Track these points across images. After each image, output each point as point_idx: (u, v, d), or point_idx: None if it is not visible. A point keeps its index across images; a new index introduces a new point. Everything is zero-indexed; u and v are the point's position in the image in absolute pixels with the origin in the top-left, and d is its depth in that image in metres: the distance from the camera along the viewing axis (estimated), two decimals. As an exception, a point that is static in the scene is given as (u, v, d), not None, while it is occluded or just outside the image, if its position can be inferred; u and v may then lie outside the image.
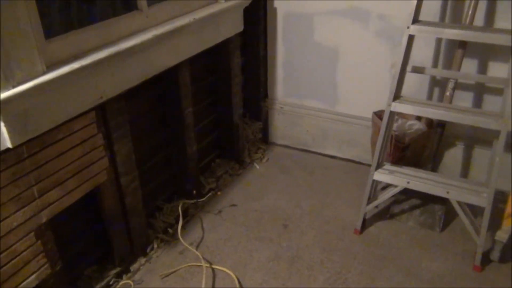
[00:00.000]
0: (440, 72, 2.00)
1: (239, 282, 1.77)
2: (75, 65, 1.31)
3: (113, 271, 1.75)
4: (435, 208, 2.06)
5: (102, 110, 1.52)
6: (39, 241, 1.37)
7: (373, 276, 1.79)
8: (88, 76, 1.38)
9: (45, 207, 1.36)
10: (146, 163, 1.90)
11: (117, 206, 1.69)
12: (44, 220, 1.37)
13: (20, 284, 1.34)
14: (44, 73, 1.25)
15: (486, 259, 1.83)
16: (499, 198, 2.06)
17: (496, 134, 1.69)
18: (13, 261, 1.31)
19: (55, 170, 1.37)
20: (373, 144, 2.18)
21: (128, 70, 1.54)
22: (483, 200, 1.73)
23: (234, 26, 2.13)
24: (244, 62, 2.45)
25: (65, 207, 1.44)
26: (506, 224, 1.74)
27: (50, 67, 1.28)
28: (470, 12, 1.83)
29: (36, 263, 1.38)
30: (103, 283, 1.70)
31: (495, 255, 1.82)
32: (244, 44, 2.40)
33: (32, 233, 1.35)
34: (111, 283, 1.73)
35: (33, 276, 1.38)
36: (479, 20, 1.95)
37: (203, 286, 1.70)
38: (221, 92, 2.30)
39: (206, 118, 2.29)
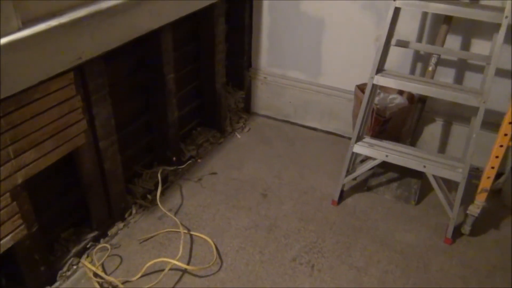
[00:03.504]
0: (423, 47, 2.01)
1: (217, 248, 1.79)
2: (52, 23, 1.27)
3: (91, 235, 1.75)
4: (411, 182, 2.10)
5: (81, 72, 1.48)
6: (14, 202, 1.36)
7: (347, 246, 1.83)
8: (66, 35, 1.33)
9: (20, 168, 1.34)
10: (126, 128, 1.88)
11: (96, 170, 1.67)
12: (19, 181, 1.35)
13: (-6, 244, 1.34)
14: (19, 29, 1.20)
15: (457, 233, 1.88)
16: (474, 174, 2.12)
17: (474, 111, 1.71)
18: (-13, 221, 1.30)
19: (31, 131, 1.34)
20: (355, 117, 2.20)
21: (108, 31, 1.50)
22: (458, 175, 1.77)
23: (219, -9, 2.09)
24: (229, 30, 2.41)
25: (42, 169, 1.42)
26: (478, 199, 1.79)
27: (26, 24, 1.23)
28: (457, -12, 1.82)
29: (11, 224, 1.36)
30: (80, 246, 1.70)
31: (466, 228, 1.87)
32: (229, 11, 2.36)
33: (8, 194, 1.33)
34: (88, 246, 1.73)
35: (8, 237, 1.36)
36: (465, -4, 1.95)
37: (180, 251, 1.72)
38: (204, 59, 2.26)
39: (188, 85, 2.26)
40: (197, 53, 2.25)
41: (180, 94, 2.15)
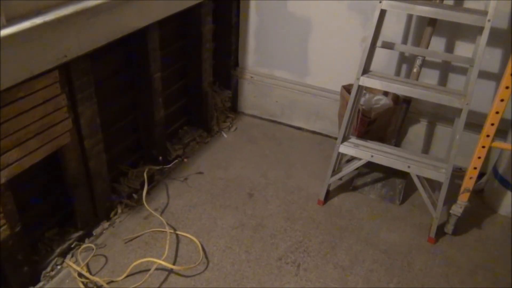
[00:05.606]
0: (408, 49, 2.03)
1: (203, 248, 1.79)
2: (37, 21, 1.25)
3: (75, 234, 1.74)
4: (396, 182, 2.13)
5: (67, 70, 1.46)
6: (-3, 202, 1.34)
7: (333, 245, 1.84)
8: (52, 33, 1.32)
9: (4, 167, 1.32)
10: (111, 126, 1.87)
11: (80, 169, 1.66)
12: (3, 180, 1.33)
13: (-23, 244, 1.32)
14: (3, 27, 1.19)
15: (440, 232, 1.91)
16: (457, 174, 2.15)
17: (458, 112, 1.74)
18: (-31, 221, 1.28)
19: (15, 129, 1.33)
20: (340, 117, 2.21)
21: (94, 29, 1.48)
22: (441, 175, 1.80)
23: (206, -10, 2.08)
24: (216, 29, 2.41)
25: (26, 168, 1.40)
26: (461, 199, 1.82)
27: (10, 21, 1.22)
28: (441, -10, 1.85)
29: (-6, 224, 1.35)
30: (64, 246, 1.69)
31: (449, 228, 1.90)
32: (216, 10, 2.35)
33: (-10, 194, 1.31)
34: (72, 246, 1.71)
35: (-9, 237, 1.35)
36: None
37: (166, 251, 1.71)
38: (191, 58, 2.26)
39: (175, 84, 2.26)
40: (184, 52, 2.24)
41: (167, 93, 2.14)
